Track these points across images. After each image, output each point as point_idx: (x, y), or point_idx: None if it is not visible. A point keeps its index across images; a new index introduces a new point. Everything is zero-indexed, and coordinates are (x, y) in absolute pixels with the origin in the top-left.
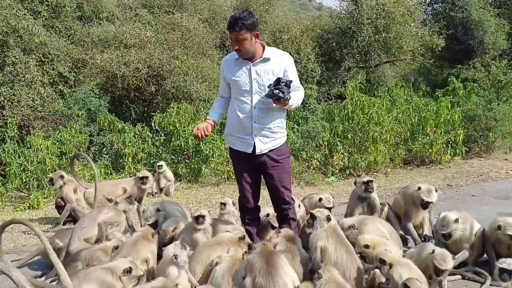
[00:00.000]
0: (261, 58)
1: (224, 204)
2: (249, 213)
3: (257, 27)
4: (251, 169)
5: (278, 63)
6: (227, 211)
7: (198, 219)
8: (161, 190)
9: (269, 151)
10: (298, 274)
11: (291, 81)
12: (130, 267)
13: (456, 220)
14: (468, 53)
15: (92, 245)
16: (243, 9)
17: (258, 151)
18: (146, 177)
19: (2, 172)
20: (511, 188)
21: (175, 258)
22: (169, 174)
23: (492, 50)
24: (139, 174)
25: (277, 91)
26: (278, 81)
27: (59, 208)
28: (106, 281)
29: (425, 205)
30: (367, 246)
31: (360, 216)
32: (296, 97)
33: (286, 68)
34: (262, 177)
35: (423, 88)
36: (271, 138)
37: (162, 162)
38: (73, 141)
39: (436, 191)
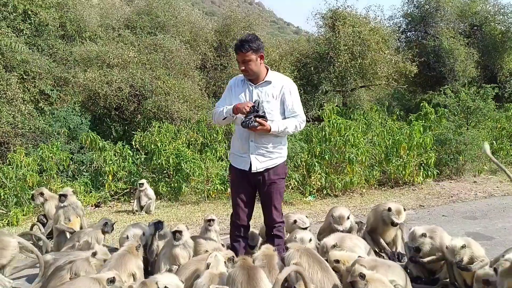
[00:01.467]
0: (263, 81)
1: (211, 220)
2: (238, 231)
3: (262, 49)
4: (247, 187)
5: (277, 87)
6: (213, 228)
7: (175, 234)
8: (141, 208)
9: (265, 170)
10: None
11: (263, 113)
12: (114, 277)
13: (423, 235)
14: (439, 80)
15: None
16: (247, 33)
17: (254, 169)
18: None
19: None
20: (479, 209)
21: None
22: (150, 192)
23: (462, 77)
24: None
25: (248, 121)
26: (256, 111)
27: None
28: None
29: (395, 225)
30: (337, 261)
31: (338, 234)
32: (287, 123)
33: (285, 93)
34: (256, 196)
35: (397, 112)
36: (268, 157)
37: (143, 180)
38: (54, 158)
39: (405, 210)
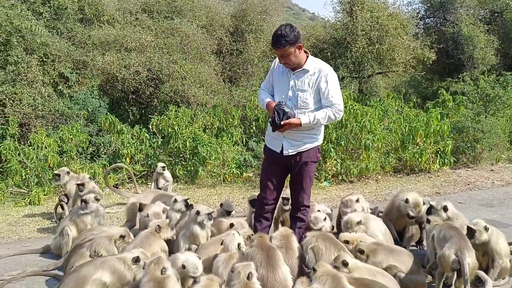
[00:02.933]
0: (301, 69)
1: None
2: (263, 211)
3: (299, 39)
4: (277, 169)
5: (314, 76)
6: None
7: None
8: (159, 190)
9: (296, 154)
10: (293, 269)
11: (288, 111)
12: (138, 256)
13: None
14: (457, 67)
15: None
16: (284, 24)
17: (285, 152)
18: None
19: (1, 169)
20: (496, 197)
21: (183, 267)
22: (168, 175)
23: (481, 65)
24: None
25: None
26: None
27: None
28: (118, 270)
29: (410, 218)
30: (347, 242)
31: (364, 213)
32: (319, 115)
33: (321, 81)
34: (286, 180)
35: (413, 99)
36: (300, 142)
37: (163, 164)
38: (74, 139)
39: (424, 204)
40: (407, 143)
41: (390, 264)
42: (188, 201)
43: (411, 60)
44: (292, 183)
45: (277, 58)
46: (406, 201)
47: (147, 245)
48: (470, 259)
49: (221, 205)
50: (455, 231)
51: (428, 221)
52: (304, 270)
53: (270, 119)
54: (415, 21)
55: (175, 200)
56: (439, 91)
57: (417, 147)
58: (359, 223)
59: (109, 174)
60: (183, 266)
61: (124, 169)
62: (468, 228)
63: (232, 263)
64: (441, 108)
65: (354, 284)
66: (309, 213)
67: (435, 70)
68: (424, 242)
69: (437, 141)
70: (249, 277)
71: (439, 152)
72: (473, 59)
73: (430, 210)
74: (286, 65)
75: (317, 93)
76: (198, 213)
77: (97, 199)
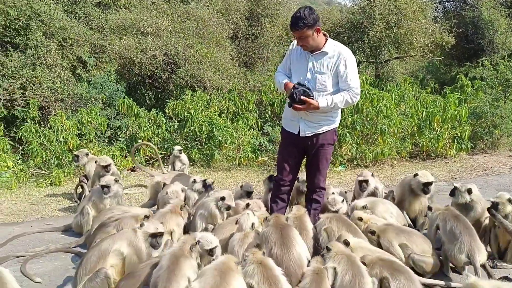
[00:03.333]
0: (320, 51)
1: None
2: (279, 192)
3: (318, 22)
4: (294, 151)
5: (333, 58)
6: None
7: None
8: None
9: (313, 135)
10: (308, 247)
11: (308, 90)
12: (148, 214)
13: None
14: (477, 52)
15: None
16: (303, 6)
17: (302, 134)
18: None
19: (22, 152)
20: None
21: (198, 242)
22: (184, 158)
23: (502, 50)
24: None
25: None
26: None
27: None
28: (133, 242)
29: (426, 186)
30: (360, 219)
31: (371, 198)
32: (337, 98)
33: (340, 64)
34: (302, 162)
35: (431, 85)
36: (317, 123)
37: (180, 147)
38: (92, 122)
39: (432, 175)
40: (424, 128)
41: (402, 242)
42: (206, 181)
43: (429, 45)
44: (309, 165)
45: (295, 40)
46: (415, 175)
47: (164, 222)
48: (481, 257)
49: (241, 186)
50: (462, 224)
51: (430, 209)
52: (318, 250)
53: (288, 95)
54: (434, 4)
55: (194, 181)
56: (458, 76)
57: (434, 132)
58: (364, 207)
59: (136, 152)
60: (198, 241)
61: (141, 151)
62: (492, 203)
63: (247, 242)
64: (459, 94)
65: (378, 263)
66: (324, 195)
67: (454, 55)
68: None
69: (454, 127)
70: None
71: (456, 137)
72: (493, 44)
73: (454, 192)
74: (304, 48)
75: (335, 76)
76: (223, 198)
77: (116, 181)
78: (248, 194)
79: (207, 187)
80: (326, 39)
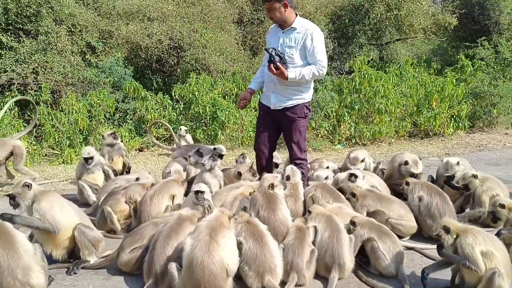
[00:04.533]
0: (290, 27)
1: (243, 155)
2: (261, 161)
3: None
4: (269, 122)
5: (301, 33)
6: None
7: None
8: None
9: (284, 109)
10: (299, 213)
11: (281, 56)
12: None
13: (458, 163)
14: (484, 33)
15: None
16: None
17: (272, 106)
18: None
19: (35, 133)
20: (504, 157)
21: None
22: (189, 137)
23: (508, 30)
24: None
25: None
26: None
27: None
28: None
29: (415, 176)
30: (353, 195)
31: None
32: (304, 71)
33: (307, 38)
34: (278, 135)
35: (434, 66)
36: (287, 97)
37: (185, 128)
38: (101, 104)
39: (420, 159)
40: (423, 107)
41: (377, 209)
42: (200, 150)
43: (430, 26)
44: (285, 138)
45: (273, 25)
46: (406, 163)
47: (166, 188)
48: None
49: (214, 149)
50: (442, 200)
51: (408, 184)
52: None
53: (268, 59)
54: None
55: (188, 156)
56: (458, 57)
57: (432, 111)
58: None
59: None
60: (196, 192)
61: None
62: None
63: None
64: (459, 74)
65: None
66: (307, 166)
67: (461, 37)
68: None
69: (452, 106)
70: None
71: (454, 116)
72: (499, 25)
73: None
74: (272, 20)
75: (303, 50)
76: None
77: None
78: (221, 156)
79: (201, 155)
80: (296, 16)
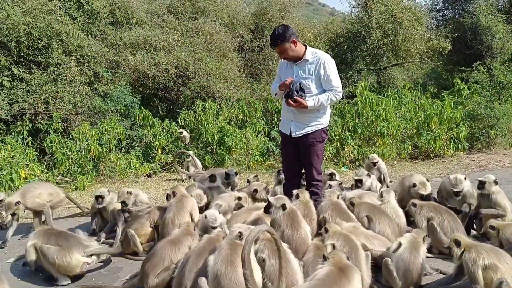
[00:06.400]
0: (302, 60)
1: (256, 176)
2: (286, 185)
3: (293, 35)
4: (290, 148)
5: (314, 64)
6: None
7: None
8: (190, 177)
9: (303, 136)
10: (313, 232)
11: (300, 92)
12: None
13: (465, 178)
14: (477, 58)
15: None
16: (278, 25)
17: (293, 134)
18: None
19: (47, 161)
20: (504, 177)
21: (205, 217)
22: (197, 162)
23: (500, 55)
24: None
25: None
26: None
27: None
28: None
29: (424, 198)
30: (352, 204)
31: (359, 190)
32: (322, 98)
33: (320, 68)
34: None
35: (431, 90)
36: (306, 125)
37: (190, 152)
38: (112, 132)
39: (428, 181)
40: (422, 130)
41: (369, 215)
42: (212, 177)
43: (426, 51)
44: (303, 161)
45: (283, 59)
46: (414, 185)
47: (182, 207)
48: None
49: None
50: (451, 217)
51: (415, 205)
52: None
53: (285, 92)
54: (433, 13)
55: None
56: (454, 81)
57: (432, 134)
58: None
59: (178, 158)
60: (205, 216)
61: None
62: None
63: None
64: (456, 97)
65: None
66: (321, 187)
67: (454, 61)
68: None
69: (451, 128)
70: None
71: (453, 138)
72: (492, 49)
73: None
74: (286, 59)
75: (318, 79)
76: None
77: (108, 192)
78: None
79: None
80: (306, 48)
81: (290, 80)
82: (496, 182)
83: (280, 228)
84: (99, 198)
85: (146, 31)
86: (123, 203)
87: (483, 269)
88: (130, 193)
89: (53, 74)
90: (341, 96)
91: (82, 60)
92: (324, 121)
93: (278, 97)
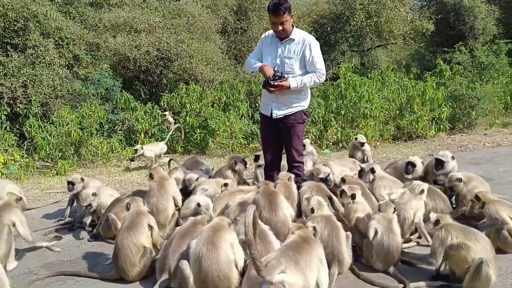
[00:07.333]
0: (288, 39)
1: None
2: (267, 167)
3: (291, 8)
4: (272, 130)
5: (299, 44)
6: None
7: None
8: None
9: (284, 117)
10: (294, 215)
11: (281, 74)
12: None
13: (453, 157)
14: (460, 39)
15: None
16: None
17: (274, 115)
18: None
19: (27, 146)
20: (484, 156)
21: (198, 206)
22: (170, 119)
23: (482, 35)
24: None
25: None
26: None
27: None
28: None
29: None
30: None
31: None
32: (305, 79)
33: (305, 49)
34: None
35: (414, 71)
36: (287, 106)
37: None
38: (93, 116)
39: (422, 163)
40: (405, 111)
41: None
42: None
43: (409, 32)
44: (284, 143)
45: (267, 31)
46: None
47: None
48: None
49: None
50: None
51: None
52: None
53: (264, 79)
54: None
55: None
56: (436, 62)
57: (414, 115)
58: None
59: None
60: (198, 205)
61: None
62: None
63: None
64: (438, 78)
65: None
66: (303, 168)
67: (438, 42)
68: None
69: (433, 109)
70: None
71: (435, 119)
72: (474, 30)
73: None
74: (281, 33)
75: (302, 60)
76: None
77: (82, 179)
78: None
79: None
80: (293, 27)
81: (272, 75)
82: (453, 158)
83: (258, 209)
84: (69, 184)
85: (127, 12)
86: (89, 206)
87: (453, 249)
88: (94, 194)
89: (31, 57)
90: (324, 79)
91: (60, 43)
92: (305, 103)
93: (253, 75)
